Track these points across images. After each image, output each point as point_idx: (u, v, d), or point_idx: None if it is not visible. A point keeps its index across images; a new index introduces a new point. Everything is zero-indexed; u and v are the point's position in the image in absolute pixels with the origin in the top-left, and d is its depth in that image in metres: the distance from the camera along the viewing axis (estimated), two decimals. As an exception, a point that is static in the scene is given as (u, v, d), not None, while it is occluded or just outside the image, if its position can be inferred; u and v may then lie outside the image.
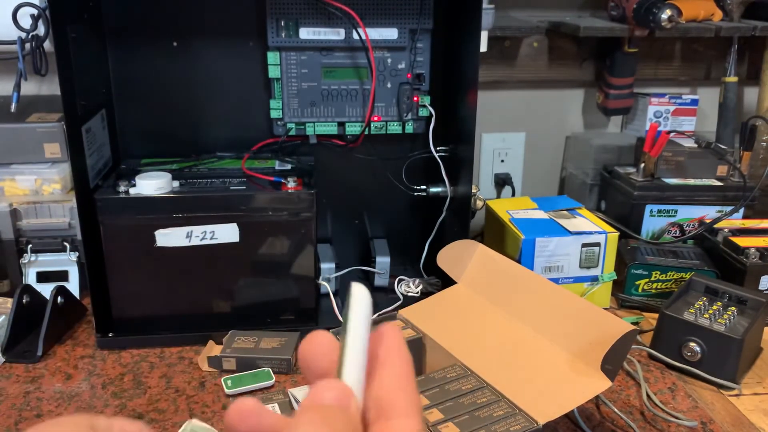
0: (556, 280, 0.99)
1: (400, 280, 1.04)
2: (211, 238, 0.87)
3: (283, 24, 0.94)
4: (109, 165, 0.96)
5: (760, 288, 0.98)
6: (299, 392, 0.74)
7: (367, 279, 1.06)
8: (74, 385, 0.82)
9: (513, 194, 1.28)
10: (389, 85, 1.00)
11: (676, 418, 0.76)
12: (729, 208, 1.10)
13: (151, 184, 0.85)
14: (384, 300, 1.01)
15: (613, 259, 0.99)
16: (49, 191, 0.98)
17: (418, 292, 1.02)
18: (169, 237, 0.86)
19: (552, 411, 0.64)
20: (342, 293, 1.01)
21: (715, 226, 1.07)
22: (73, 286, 0.98)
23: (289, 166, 0.97)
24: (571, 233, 0.98)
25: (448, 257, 0.88)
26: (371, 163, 1.04)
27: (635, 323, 0.97)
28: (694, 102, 1.28)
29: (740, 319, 0.86)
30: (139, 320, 0.90)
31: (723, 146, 1.15)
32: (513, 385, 0.67)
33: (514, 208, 1.07)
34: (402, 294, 1.02)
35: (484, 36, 0.92)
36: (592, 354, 0.67)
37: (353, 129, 1.01)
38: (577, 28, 1.14)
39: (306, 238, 0.90)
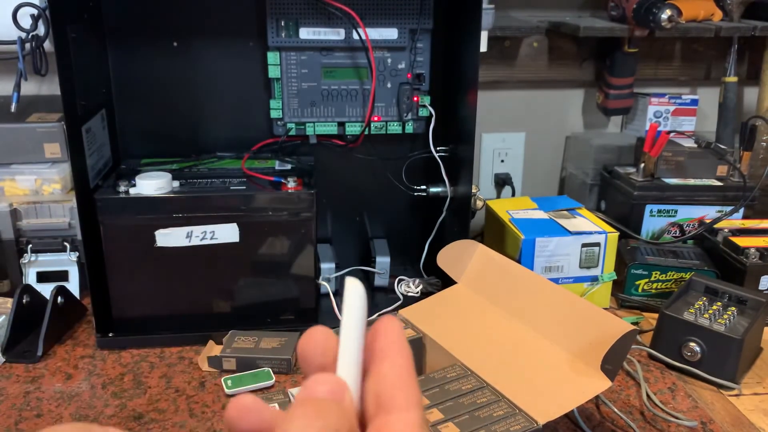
0: (556, 280, 0.99)
1: (400, 280, 1.04)
2: (211, 238, 0.87)
3: (283, 24, 0.94)
4: (109, 165, 0.96)
5: (760, 288, 0.98)
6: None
7: (367, 279, 1.06)
8: (74, 385, 0.82)
9: (513, 194, 1.28)
10: (389, 85, 1.00)
11: (676, 418, 0.76)
12: (729, 208, 1.10)
13: (151, 184, 0.85)
14: (384, 300, 1.01)
15: (613, 259, 0.99)
16: (49, 191, 0.98)
17: (418, 292, 1.02)
18: (169, 237, 0.86)
19: (552, 411, 0.64)
20: (342, 293, 1.00)
21: (715, 226, 1.07)
22: (73, 286, 0.98)
23: (289, 166, 0.97)
24: (571, 233, 0.98)
25: (448, 257, 0.88)
26: (371, 163, 1.04)
27: (635, 323, 0.97)
28: (694, 102, 1.28)
29: (740, 319, 0.86)
30: (139, 320, 0.90)
31: (723, 146, 1.15)
32: (513, 385, 0.67)
33: (514, 208, 1.07)
34: (402, 294, 1.02)
35: (484, 36, 0.92)
36: (592, 354, 0.67)
37: (353, 129, 1.01)
38: (577, 28, 1.14)
39: (306, 238, 0.90)
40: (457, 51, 0.96)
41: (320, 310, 0.96)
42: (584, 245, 0.98)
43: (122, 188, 0.85)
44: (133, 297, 0.90)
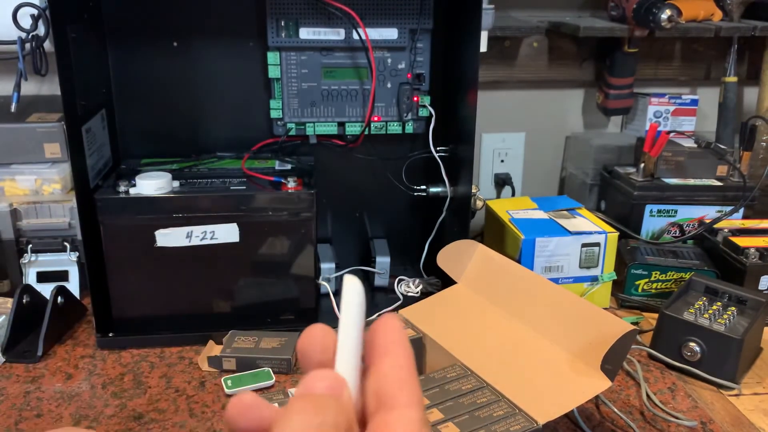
0: (556, 280, 0.99)
1: (400, 280, 1.04)
2: (211, 238, 0.87)
3: (283, 24, 0.94)
4: (109, 165, 0.96)
5: (760, 288, 0.98)
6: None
7: (367, 279, 1.06)
8: (74, 385, 0.82)
9: (513, 194, 1.28)
10: (389, 85, 1.00)
11: (676, 418, 0.76)
12: (729, 208, 1.10)
13: (151, 184, 0.85)
14: (384, 300, 1.01)
15: (612, 259, 1.00)
16: (49, 191, 0.98)
17: (418, 292, 1.02)
18: (169, 237, 0.86)
19: (552, 411, 0.64)
20: (341, 293, 1.00)
21: (715, 226, 1.07)
22: (73, 286, 0.98)
23: (289, 166, 0.97)
24: (571, 233, 0.98)
25: (448, 257, 0.88)
26: (371, 163, 1.04)
27: (635, 323, 0.97)
28: (694, 102, 1.28)
29: (740, 319, 0.86)
30: (139, 320, 0.90)
31: (723, 146, 1.15)
32: (513, 385, 0.67)
33: (514, 208, 1.07)
34: (402, 294, 1.02)
35: (484, 36, 0.92)
36: (592, 354, 0.67)
37: (353, 129, 1.01)
38: (577, 28, 1.14)
39: (306, 238, 0.90)
40: (457, 51, 0.96)
41: (320, 310, 0.96)
42: (584, 245, 0.98)
43: (122, 188, 0.85)
44: (133, 297, 0.90)
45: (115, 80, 0.97)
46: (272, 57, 0.96)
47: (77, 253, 0.99)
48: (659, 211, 1.13)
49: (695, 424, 0.75)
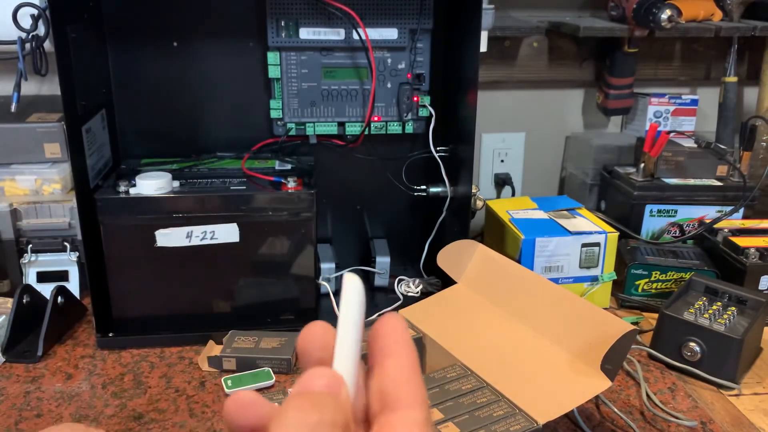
0: (556, 280, 0.99)
1: (400, 280, 1.04)
2: (211, 238, 0.87)
3: (283, 24, 0.94)
4: (109, 165, 0.96)
5: (760, 288, 0.98)
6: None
7: (367, 279, 1.06)
8: (74, 385, 0.82)
9: (513, 194, 1.28)
10: (389, 85, 1.00)
11: (676, 418, 0.76)
12: (729, 208, 1.10)
13: (151, 184, 0.85)
14: (384, 300, 1.01)
15: (613, 259, 1.00)
16: (49, 191, 0.98)
17: (418, 292, 1.02)
18: (169, 237, 0.86)
19: (552, 411, 0.64)
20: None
21: (715, 226, 1.07)
22: (73, 286, 0.98)
23: (289, 166, 0.97)
24: (571, 233, 0.98)
25: (448, 257, 0.88)
26: (371, 163, 1.04)
27: (635, 323, 0.97)
28: (694, 102, 1.28)
29: (740, 319, 0.86)
30: (139, 320, 0.90)
31: (723, 146, 1.15)
32: (513, 385, 0.67)
33: (514, 208, 1.07)
34: (402, 294, 1.02)
35: (484, 36, 0.92)
36: (592, 354, 0.67)
37: (353, 129, 1.01)
38: (577, 28, 1.14)
39: (306, 238, 0.90)
40: (457, 51, 0.96)
41: (320, 310, 0.96)
42: (584, 245, 0.98)
43: (122, 188, 0.85)
44: (133, 297, 0.90)
45: (115, 80, 0.97)
46: (272, 57, 0.96)
47: (77, 253, 0.99)
48: (659, 211, 1.13)
49: (695, 424, 0.75)
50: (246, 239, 0.88)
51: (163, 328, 0.90)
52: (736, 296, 0.89)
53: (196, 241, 0.87)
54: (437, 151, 0.99)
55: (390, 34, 0.96)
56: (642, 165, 1.15)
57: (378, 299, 1.01)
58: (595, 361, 0.66)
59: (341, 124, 1.01)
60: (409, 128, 1.02)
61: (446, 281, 0.90)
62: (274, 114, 0.99)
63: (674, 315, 0.86)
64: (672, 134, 1.18)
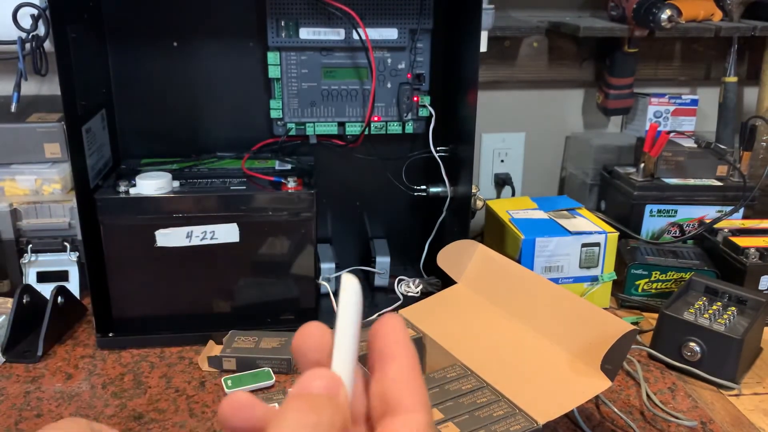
0: (556, 280, 0.99)
1: (400, 280, 1.04)
2: (211, 238, 0.87)
3: (283, 24, 0.94)
4: (109, 165, 0.96)
5: (760, 288, 0.98)
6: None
7: (367, 279, 1.06)
8: (74, 385, 0.82)
9: (513, 194, 1.28)
10: (389, 85, 1.00)
11: (676, 418, 0.76)
12: (729, 208, 1.10)
13: (151, 184, 0.85)
14: (384, 300, 1.01)
15: (613, 259, 0.99)
16: (49, 191, 0.98)
17: (418, 292, 1.02)
18: (169, 237, 0.86)
19: (552, 411, 0.64)
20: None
21: (715, 226, 1.07)
22: (73, 286, 0.98)
23: (289, 166, 0.97)
24: (571, 233, 0.98)
25: (448, 257, 0.88)
26: (371, 163, 1.04)
27: (635, 323, 0.97)
28: (694, 102, 1.28)
29: (740, 319, 0.86)
30: (139, 320, 0.90)
31: (723, 146, 1.15)
32: (513, 385, 0.67)
33: (514, 208, 1.07)
34: (402, 294, 1.02)
35: (484, 36, 0.92)
36: (592, 354, 0.67)
37: (353, 129, 1.01)
38: (577, 28, 1.14)
39: (306, 238, 0.90)
40: (457, 51, 0.96)
41: (320, 310, 0.96)
42: (584, 245, 0.98)
43: (122, 188, 0.85)
44: (133, 297, 0.90)
45: (115, 80, 0.97)
46: (272, 57, 0.96)
47: (77, 253, 0.99)
48: (659, 211, 1.13)
49: (695, 424, 0.75)
50: (246, 239, 0.88)
51: (163, 328, 0.90)
52: (736, 296, 0.89)
53: (196, 241, 0.87)
54: (437, 151, 0.99)
55: (390, 34, 0.96)
56: (642, 165, 1.15)
57: (378, 299, 1.01)
58: (595, 361, 0.66)
59: (341, 124, 1.01)
60: (409, 128, 1.02)
61: (446, 281, 0.90)
62: (274, 114, 0.99)
63: (674, 315, 0.86)
64: (672, 134, 1.18)
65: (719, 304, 0.89)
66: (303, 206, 0.88)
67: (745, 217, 1.12)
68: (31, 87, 1.07)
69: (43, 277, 0.99)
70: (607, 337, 0.66)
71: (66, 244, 0.99)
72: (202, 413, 0.77)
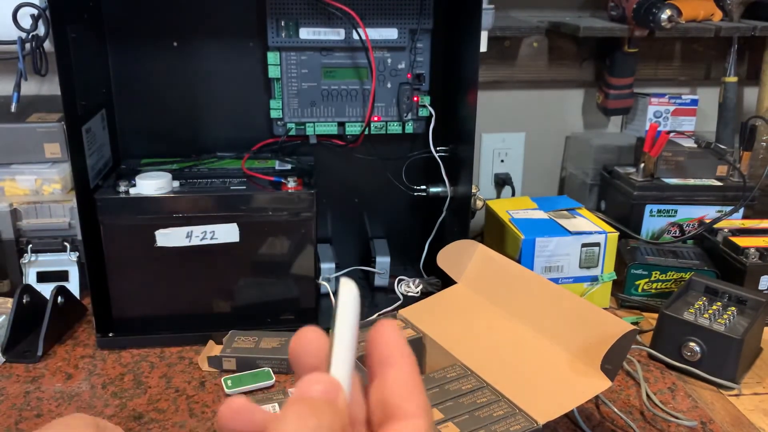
0: (556, 280, 0.99)
1: (400, 280, 1.04)
2: (211, 238, 0.87)
3: (283, 24, 0.94)
4: (109, 165, 0.96)
5: (760, 288, 0.98)
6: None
7: (367, 279, 1.06)
8: (74, 385, 0.82)
9: (513, 194, 1.28)
10: (389, 85, 1.00)
11: (676, 418, 0.76)
12: (729, 208, 1.10)
13: (151, 184, 0.85)
14: (384, 300, 1.01)
15: (613, 259, 1.00)
16: (49, 191, 0.98)
17: (418, 292, 1.02)
18: (169, 237, 0.86)
19: (552, 411, 0.64)
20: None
21: (715, 226, 1.07)
22: (73, 286, 0.98)
23: (289, 166, 0.97)
24: (571, 233, 0.98)
25: (448, 257, 0.88)
26: (371, 163, 1.04)
27: (635, 323, 0.97)
28: (694, 102, 1.28)
29: (740, 319, 0.86)
30: (139, 320, 0.90)
31: (723, 146, 1.15)
32: (513, 385, 0.67)
33: (514, 208, 1.07)
34: (402, 294, 1.02)
35: (484, 36, 0.92)
36: (592, 354, 0.67)
37: (353, 129, 1.01)
38: (577, 28, 1.14)
39: (306, 238, 0.90)
40: (457, 51, 0.96)
41: (320, 310, 0.96)
42: (584, 245, 0.98)
43: (122, 188, 0.85)
44: (133, 297, 0.90)
45: (115, 80, 0.97)
46: (272, 57, 0.96)
47: (77, 253, 0.99)
48: (659, 211, 1.13)
49: (695, 424, 0.75)
50: (246, 239, 0.88)
51: (163, 328, 0.90)
52: (736, 296, 0.89)
53: (196, 241, 0.87)
54: (437, 151, 0.99)
55: (390, 34, 0.96)
56: (642, 165, 1.15)
57: (378, 299, 1.01)
58: (595, 361, 0.66)
59: (341, 124, 1.01)
60: (409, 128, 1.02)
61: (446, 281, 0.90)
62: (274, 114, 0.99)
63: (674, 315, 0.86)
64: (672, 134, 1.18)
65: (719, 304, 0.89)
66: (303, 206, 0.88)
67: (745, 217, 1.12)
68: (31, 87, 1.07)
69: (43, 277, 0.99)
70: (607, 337, 0.66)
71: (66, 244, 0.99)
72: (202, 413, 0.77)
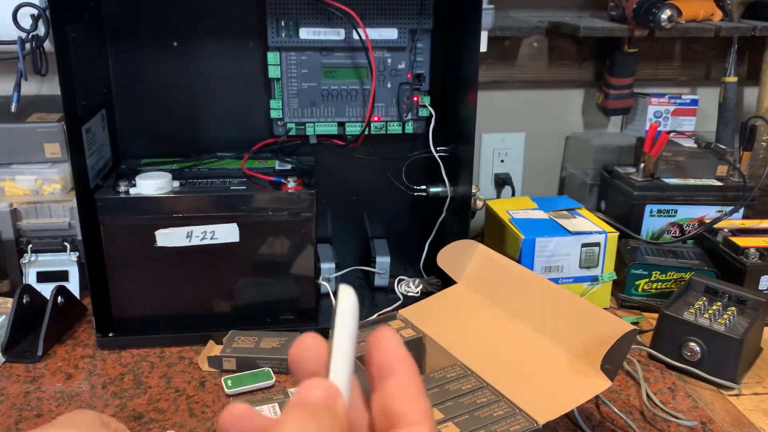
0: (556, 280, 0.99)
1: (400, 280, 1.04)
2: (211, 238, 0.87)
3: (283, 24, 0.94)
4: (109, 165, 0.96)
5: (760, 288, 0.98)
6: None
7: (367, 279, 1.06)
8: (74, 385, 0.82)
9: (513, 194, 1.28)
10: (389, 85, 1.00)
11: (676, 418, 0.76)
12: (729, 208, 1.10)
13: (151, 184, 0.85)
14: (384, 300, 1.01)
15: (613, 259, 1.00)
16: (49, 191, 0.98)
17: (418, 292, 1.02)
18: (169, 237, 0.86)
19: (552, 411, 0.64)
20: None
21: (715, 226, 1.07)
22: (73, 286, 0.98)
23: (289, 166, 0.97)
24: (571, 233, 0.98)
25: (448, 257, 0.88)
26: (371, 163, 1.04)
27: (635, 323, 0.97)
28: (694, 102, 1.28)
29: (740, 319, 0.86)
30: (139, 320, 0.90)
31: (723, 146, 1.15)
32: (513, 385, 0.67)
33: (514, 208, 1.07)
34: (402, 294, 1.02)
35: (484, 36, 0.92)
36: (592, 354, 0.67)
37: (353, 129, 1.01)
38: (577, 28, 1.14)
39: (306, 238, 0.90)
40: (457, 51, 0.96)
41: (320, 310, 0.96)
42: (584, 245, 0.98)
43: (122, 188, 0.85)
44: (133, 297, 0.90)
45: (115, 80, 0.97)
46: (272, 57, 0.96)
47: (77, 253, 0.99)
48: (659, 211, 1.13)
49: (695, 424, 0.75)
50: (246, 239, 0.88)
51: (163, 328, 0.90)
52: (736, 296, 0.89)
53: (196, 241, 0.87)
54: (437, 151, 0.99)
55: (390, 34, 0.96)
56: (642, 165, 1.15)
57: (378, 299, 1.01)
58: (595, 361, 0.66)
59: (341, 124, 1.01)
60: (409, 128, 1.02)
61: (446, 281, 0.90)
62: (274, 114, 0.99)
63: (674, 315, 0.86)
64: (672, 134, 1.18)
65: (719, 304, 0.89)
66: (303, 206, 0.88)
67: (745, 217, 1.12)
68: (31, 87, 1.07)
69: (43, 277, 0.99)
70: (607, 337, 0.66)
71: (66, 244, 0.99)
72: (202, 413, 0.77)
